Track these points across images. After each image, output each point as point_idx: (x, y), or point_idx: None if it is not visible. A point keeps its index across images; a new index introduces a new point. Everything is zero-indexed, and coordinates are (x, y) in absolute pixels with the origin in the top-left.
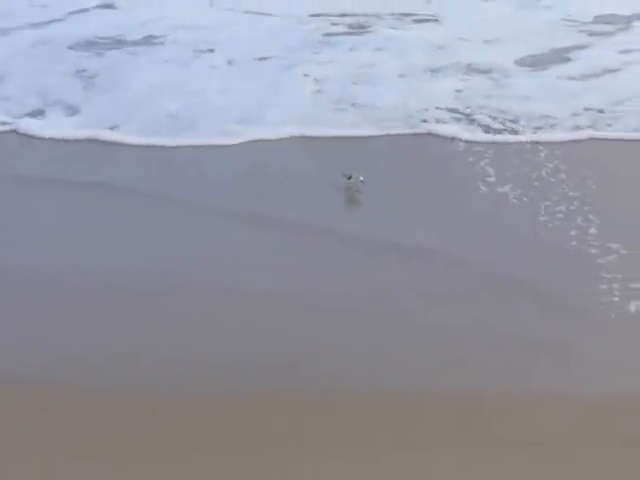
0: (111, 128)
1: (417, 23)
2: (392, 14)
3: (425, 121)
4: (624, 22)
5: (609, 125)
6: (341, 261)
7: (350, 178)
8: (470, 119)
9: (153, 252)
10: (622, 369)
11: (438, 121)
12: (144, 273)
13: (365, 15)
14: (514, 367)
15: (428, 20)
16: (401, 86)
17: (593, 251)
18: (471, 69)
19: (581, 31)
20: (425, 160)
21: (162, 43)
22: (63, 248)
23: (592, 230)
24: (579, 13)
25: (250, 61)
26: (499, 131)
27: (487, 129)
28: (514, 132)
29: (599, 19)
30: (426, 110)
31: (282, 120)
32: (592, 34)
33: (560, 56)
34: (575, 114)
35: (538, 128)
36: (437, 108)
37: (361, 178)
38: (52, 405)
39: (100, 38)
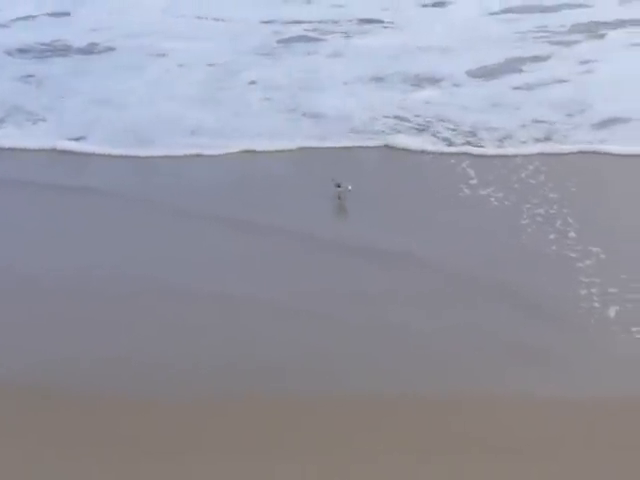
0: (76, 139)
1: (376, 30)
2: (350, 20)
3: (385, 132)
4: (599, 30)
5: (565, 136)
6: (330, 266)
7: (339, 186)
8: (423, 130)
9: (138, 257)
10: (601, 374)
11: (397, 132)
12: (129, 278)
13: (322, 22)
14: (495, 371)
15: (388, 27)
16: (354, 95)
17: (573, 255)
18: (421, 79)
19: (547, 41)
20: (397, 171)
21: (113, 49)
22: (54, 253)
23: (571, 238)
24: (556, 22)
25: (203, 67)
26: (461, 144)
27: (448, 142)
28: (477, 145)
29: (575, 28)
30: (378, 120)
31: (238, 131)
32: (559, 43)
33: (514, 67)
34: (523, 125)
35: (499, 140)
36: (386, 117)
37: (349, 187)
38: (36, 407)
39: (50, 45)
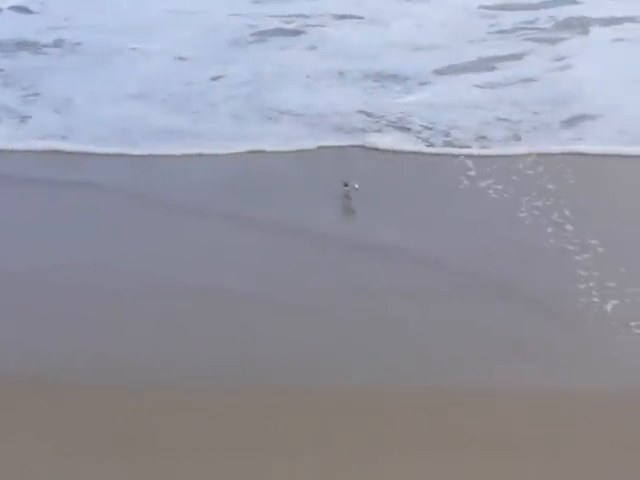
0: (62, 137)
1: (351, 26)
2: (324, 15)
3: (365, 131)
4: (586, 27)
5: (534, 135)
6: (334, 263)
7: (347, 185)
8: (402, 129)
9: (136, 253)
10: (600, 368)
11: (376, 131)
12: (136, 275)
13: (298, 16)
14: (494, 366)
15: (364, 23)
16: (325, 92)
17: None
18: (391, 77)
19: (530, 38)
20: (391, 171)
21: (80, 43)
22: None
23: (569, 231)
24: (543, 19)
25: (172, 62)
26: (441, 144)
27: (428, 142)
28: (456, 145)
29: (562, 24)
30: (356, 119)
31: (215, 133)
32: (541, 41)
33: (488, 65)
34: (486, 123)
35: (476, 140)
36: (361, 116)
37: (356, 186)
38: (33, 403)
39: (17, 39)
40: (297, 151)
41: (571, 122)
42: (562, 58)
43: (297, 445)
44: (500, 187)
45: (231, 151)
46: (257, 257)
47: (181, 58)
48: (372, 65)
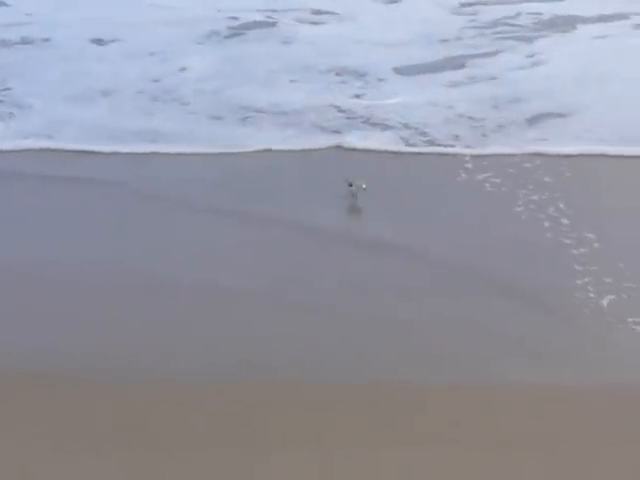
0: (48, 137)
1: (327, 22)
2: (296, 10)
3: (344, 130)
4: (569, 25)
5: (503, 135)
6: (337, 261)
7: (351, 185)
8: (373, 125)
9: (134, 251)
10: (596, 364)
11: (356, 129)
12: (126, 270)
13: (273, 10)
14: (491, 362)
15: (343, 20)
16: (296, 89)
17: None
18: (350, 73)
19: (508, 36)
20: (385, 171)
21: (50, 39)
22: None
23: (565, 225)
24: (528, 13)
25: (144, 57)
26: (423, 144)
27: (406, 141)
28: (447, 145)
29: (548, 19)
30: (329, 117)
31: (190, 132)
32: (519, 39)
33: (458, 63)
34: (448, 120)
35: (458, 139)
36: (333, 114)
37: (363, 186)
38: (29, 399)
39: None
40: (290, 151)
41: (537, 120)
42: (535, 56)
43: (296, 441)
44: (496, 182)
45: (210, 151)
46: (258, 255)
47: (151, 53)
48: (342, 62)
